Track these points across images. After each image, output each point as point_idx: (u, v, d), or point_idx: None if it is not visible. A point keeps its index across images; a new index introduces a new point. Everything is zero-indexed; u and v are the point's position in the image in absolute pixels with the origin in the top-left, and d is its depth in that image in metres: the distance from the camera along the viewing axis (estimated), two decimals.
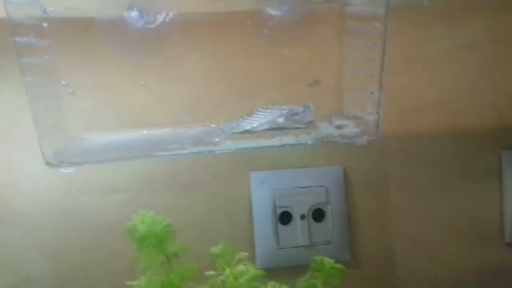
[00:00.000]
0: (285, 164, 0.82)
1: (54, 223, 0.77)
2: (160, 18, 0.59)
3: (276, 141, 0.62)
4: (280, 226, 0.81)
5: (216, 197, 0.81)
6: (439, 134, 0.84)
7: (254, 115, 0.62)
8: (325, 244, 0.82)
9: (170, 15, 0.60)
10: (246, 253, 0.60)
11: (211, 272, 0.58)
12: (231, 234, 0.81)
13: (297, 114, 0.62)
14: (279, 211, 0.81)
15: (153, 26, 0.59)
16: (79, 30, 0.65)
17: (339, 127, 0.64)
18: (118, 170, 0.78)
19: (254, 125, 0.61)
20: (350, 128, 0.64)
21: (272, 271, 0.81)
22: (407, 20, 0.81)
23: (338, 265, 0.62)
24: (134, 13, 0.58)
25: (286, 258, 0.81)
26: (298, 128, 0.62)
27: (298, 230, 0.82)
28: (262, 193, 0.81)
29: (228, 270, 0.56)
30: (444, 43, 0.83)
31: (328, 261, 0.62)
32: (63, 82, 0.61)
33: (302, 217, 0.82)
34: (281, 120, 0.61)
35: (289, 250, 0.82)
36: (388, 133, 0.83)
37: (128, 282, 0.58)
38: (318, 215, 0.82)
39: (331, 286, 0.62)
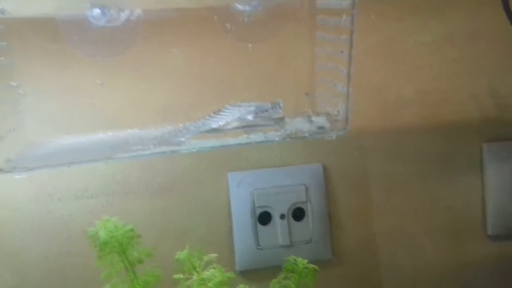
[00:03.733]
0: (264, 163, 0.81)
1: (25, 230, 0.75)
2: (124, 16, 0.57)
3: (243, 139, 0.60)
4: (259, 226, 0.80)
5: (194, 199, 0.80)
6: (420, 128, 0.83)
7: (221, 113, 0.60)
8: (306, 243, 0.81)
9: (135, 13, 0.58)
10: (215, 255, 0.58)
11: (180, 276, 0.56)
12: (210, 236, 0.80)
13: (266, 110, 0.60)
14: (258, 211, 0.80)
15: (116, 24, 0.57)
16: (40, 31, 0.63)
17: (308, 122, 0.62)
18: (91, 174, 0.76)
19: (221, 123, 0.59)
20: (320, 123, 0.62)
21: (252, 272, 0.80)
22: (384, 14, 0.81)
23: (311, 265, 0.60)
24: (96, 11, 0.56)
25: (266, 258, 0.80)
26: (267, 125, 0.61)
27: (278, 230, 0.80)
28: (240, 193, 0.80)
29: (195, 276, 0.54)
30: (422, 36, 0.82)
31: (301, 261, 0.61)
32: (12, 83, 0.59)
33: (282, 216, 0.80)
34: (249, 117, 0.60)
35: (269, 251, 0.80)
36: (368, 128, 0.83)
37: None
38: (298, 214, 0.81)
39: (305, 286, 0.60)
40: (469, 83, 0.84)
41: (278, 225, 0.80)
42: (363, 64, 0.81)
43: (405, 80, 0.83)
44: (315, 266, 0.61)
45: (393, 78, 0.82)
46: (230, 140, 0.61)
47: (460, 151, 0.84)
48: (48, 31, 0.64)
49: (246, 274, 0.81)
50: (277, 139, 0.61)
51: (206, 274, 0.56)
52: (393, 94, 0.83)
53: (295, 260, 0.61)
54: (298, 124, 0.62)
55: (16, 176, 0.56)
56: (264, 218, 0.80)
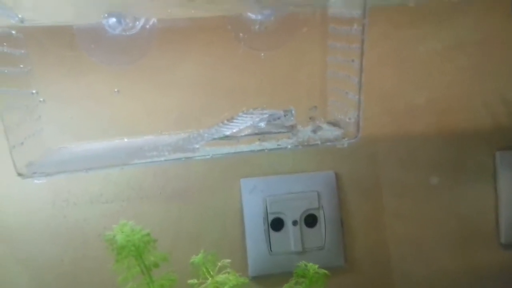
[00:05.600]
0: (276, 170, 0.82)
1: (41, 234, 0.76)
2: (139, 25, 0.59)
3: (256, 146, 0.61)
4: (272, 232, 0.81)
5: (207, 205, 0.80)
6: (431, 135, 0.84)
7: (235, 120, 0.61)
8: (318, 250, 0.81)
9: (150, 22, 0.59)
10: (229, 260, 0.59)
11: (194, 281, 0.57)
12: (222, 241, 0.81)
13: (278, 118, 0.61)
14: (271, 217, 0.81)
15: (132, 33, 0.58)
16: (57, 39, 0.65)
17: (320, 130, 0.63)
18: (107, 179, 0.77)
19: (235, 130, 0.60)
20: (332, 131, 0.63)
21: (264, 278, 0.81)
22: (395, 22, 0.81)
23: (322, 271, 0.61)
24: (112, 20, 0.57)
25: (278, 264, 0.80)
26: (279, 132, 0.62)
27: (290, 236, 0.81)
28: (253, 199, 0.80)
29: (209, 280, 0.55)
30: (433, 44, 0.82)
31: (312, 267, 0.61)
32: (33, 91, 0.60)
33: (294, 223, 0.81)
34: (262, 124, 0.61)
35: (282, 257, 0.81)
36: (380, 135, 0.83)
37: None
38: (310, 220, 0.81)
39: None
40: (480, 90, 0.84)
41: (290, 231, 0.81)
42: (374, 71, 0.81)
43: (416, 87, 0.83)
44: (325, 271, 0.61)
45: (404, 86, 0.83)
46: (243, 147, 0.62)
47: (473, 159, 0.84)
48: (66, 39, 0.66)
49: (259, 279, 0.81)
50: (289, 146, 0.61)
51: (220, 278, 0.57)
52: (404, 101, 0.83)
53: (306, 266, 0.62)
54: (310, 132, 0.63)
55: (35, 181, 0.57)
56: (277, 224, 0.81)
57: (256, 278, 0.81)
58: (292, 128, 0.62)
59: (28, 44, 0.62)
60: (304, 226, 0.81)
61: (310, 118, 0.65)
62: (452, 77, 0.83)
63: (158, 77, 0.74)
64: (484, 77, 0.83)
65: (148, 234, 0.56)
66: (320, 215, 0.82)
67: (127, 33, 0.59)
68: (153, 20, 0.60)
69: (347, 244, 0.83)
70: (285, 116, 0.61)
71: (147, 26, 0.59)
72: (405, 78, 0.82)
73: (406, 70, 0.82)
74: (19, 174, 0.56)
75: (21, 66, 0.59)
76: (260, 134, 0.62)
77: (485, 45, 0.83)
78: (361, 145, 0.81)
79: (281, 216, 0.81)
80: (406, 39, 0.82)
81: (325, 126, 0.64)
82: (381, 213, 0.84)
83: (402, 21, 0.81)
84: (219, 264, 0.59)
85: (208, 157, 0.60)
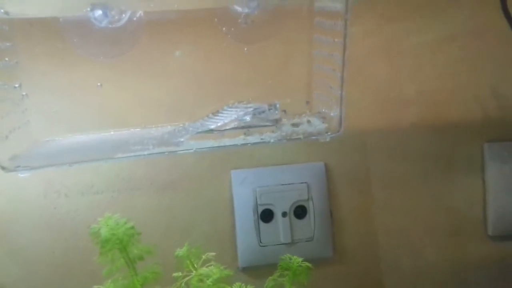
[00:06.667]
0: (266, 161, 0.82)
1: (32, 225, 0.77)
2: (125, 17, 0.59)
3: (240, 140, 0.62)
4: (261, 224, 0.81)
5: (197, 196, 0.81)
6: (421, 127, 0.84)
7: (220, 114, 0.61)
8: (308, 241, 0.82)
9: (137, 14, 0.59)
10: (213, 253, 0.60)
11: (178, 274, 0.57)
12: (213, 232, 0.81)
13: (263, 112, 0.61)
14: (260, 209, 0.81)
15: (118, 25, 0.58)
16: (44, 29, 0.65)
17: (303, 124, 0.63)
18: (97, 171, 0.78)
19: (219, 124, 0.60)
20: (315, 125, 0.63)
21: (254, 269, 0.82)
22: (388, 14, 0.81)
23: (306, 263, 0.61)
24: (98, 13, 0.57)
25: (268, 255, 0.81)
26: (264, 126, 0.62)
27: (280, 228, 0.81)
28: (243, 191, 0.81)
29: (194, 273, 0.56)
30: (424, 36, 0.82)
31: (296, 260, 0.62)
32: (16, 85, 0.60)
33: (284, 214, 0.81)
34: (247, 118, 0.61)
35: (271, 248, 0.81)
36: (370, 127, 0.83)
37: (94, 286, 0.58)
38: (300, 212, 0.82)
39: (300, 284, 0.61)
40: (471, 83, 0.84)
41: (280, 223, 0.81)
42: (366, 63, 0.82)
43: (407, 79, 0.83)
44: (309, 264, 0.62)
45: (395, 77, 0.83)
46: (226, 141, 0.62)
47: (462, 151, 0.85)
48: (53, 30, 0.66)
49: (248, 270, 0.82)
50: (272, 140, 0.62)
51: (204, 271, 0.58)
52: (395, 93, 0.83)
53: (290, 258, 0.62)
54: (294, 126, 0.63)
55: (20, 175, 0.57)
56: (266, 215, 0.81)
57: (246, 269, 0.82)
58: (276, 122, 0.62)
59: (15, 36, 0.62)
60: (293, 218, 0.82)
61: (296, 112, 0.66)
62: (443, 69, 0.83)
63: (146, 69, 0.74)
64: (475, 69, 0.84)
65: (132, 227, 0.56)
66: (310, 207, 0.82)
67: (114, 25, 0.59)
68: (139, 13, 0.60)
69: (336, 236, 0.84)
70: (269, 110, 0.61)
71: (134, 19, 0.59)
72: (396, 70, 0.83)
73: (398, 62, 0.82)
74: (2, 168, 0.56)
75: (7, 59, 0.59)
76: (245, 128, 0.62)
77: (477, 38, 0.83)
78: (351, 137, 0.82)
79: (271, 208, 0.81)
80: (398, 31, 0.82)
81: (310, 119, 0.64)
82: (370, 205, 0.84)
83: (395, 13, 0.81)
84: (204, 257, 0.60)
85: (191, 151, 0.60)
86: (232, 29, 0.63)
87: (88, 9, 0.56)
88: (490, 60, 0.83)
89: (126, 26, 0.59)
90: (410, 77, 0.83)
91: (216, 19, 0.62)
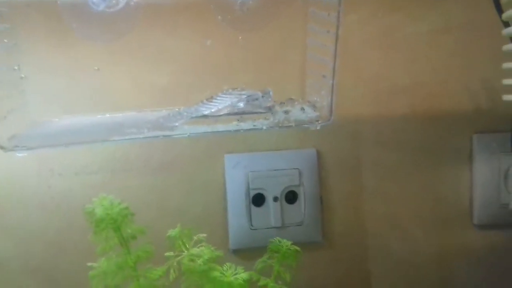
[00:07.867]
0: (260, 146, 0.83)
1: (26, 204, 0.78)
2: (122, 1, 0.59)
3: (233, 126, 0.63)
4: (253, 207, 0.83)
5: (191, 178, 0.82)
6: (413, 117, 0.85)
7: (214, 100, 0.63)
8: (297, 226, 0.84)
9: None
10: (205, 234, 0.61)
11: (170, 253, 0.59)
12: (205, 215, 0.83)
13: (256, 99, 0.62)
14: (252, 193, 0.82)
15: (116, 9, 0.59)
16: (42, 13, 0.65)
17: (295, 111, 0.65)
18: (92, 151, 0.79)
19: (213, 110, 0.61)
20: (307, 113, 0.64)
21: (244, 251, 0.83)
22: (383, 4, 0.82)
23: (294, 247, 0.63)
24: None
25: (258, 238, 0.83)
26: (257, 113, 0.63)
27: (271, 212, 0.83)
28: (236, 175, 0.82)
29: (185, 252, 0.57)
30: (418, 27, 0.83)
31: (285, 243, 0.63)
32: (16, 67, 0.61)
33: (275, 199, 0.83)
34: (241, 105, 0.62)
35: (262, 231, 0.83)
36: (362, 115, 0.84)
37: (89, 264, 0.60)
38: (291, 197, 0.84)
39: (288, 266, 0.63)
40: (463, 74, 0.85)
41: (271, 207, 0.83)
42: (360, 52, 0.83)
43: (401, 69, 0.84)
44: (297, 248, 0.63)
45: (389, 67, 0.84)
46: (220, 127, 0.63)
47: (451, 142, 0.86)
48: (51, 12, 0.66)
49: (239, 252, 0.84)
50: (264, 127, 0.63)
51: (196, 251, 0.59)
52: (388, 83, 0.84)
53: (280, 241, 0.64)
54: (286, 113, 0.64)
55: (17, 154, 0.58)
56: (258, 199, 0.83)
57: (236, 251, 0.84)
58: (269, 109, 0.63)
59: (13, 18, 0.62)
60: (284, 202, 0.83)
61: (289, 99, 0.67)
62: (436, 61, 0.84)
63: (142, 54, 0.75)
64: (468, 61, 0.84)
65: (126, 208, 0.58)
66: (300, 192, 0.84)
67: (111, 9, 0.59)
68: None
69: (326, 221, 0.85)
70: (263, 97, 0.62)
71: (131, 3, 0.60)
72: (390, 60, 0.83)
73: (392, 52, 0.83)
74: (1, 147, 0.57)
75: (5, 40, 0.60)
76: (238, 114, 0.63)
77: (471, 29, 0.84)
78: (343, 125, 0.83)
79: (263, 192, 0.83)
80: (393, 21, 0.82)
81: (303, 107, 0.65)
82: (360, 192, 0.86)
83: (391, 3, 0.82)
84: (195, 238, 0.61)
85: (185, 136, 0.61)
86: (228, 16, 0.63)
87: None
88: (483, 53, 0.84)
89: (123, 10, 0.60)
90: (404, 67, 0.84)
91: (212, 6, 0.63)
